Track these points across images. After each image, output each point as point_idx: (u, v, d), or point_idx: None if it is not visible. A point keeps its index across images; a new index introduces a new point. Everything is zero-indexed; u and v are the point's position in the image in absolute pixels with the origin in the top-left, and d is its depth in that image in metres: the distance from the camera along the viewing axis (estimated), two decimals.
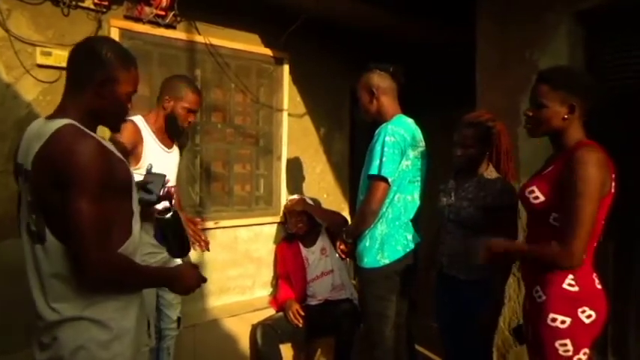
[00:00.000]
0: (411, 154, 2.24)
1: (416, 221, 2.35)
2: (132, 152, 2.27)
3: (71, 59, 1.41)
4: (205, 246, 2.54)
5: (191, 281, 1.55)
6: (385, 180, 2.15)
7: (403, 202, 2.27)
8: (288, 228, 3.45)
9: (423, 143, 2.36)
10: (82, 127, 1.33)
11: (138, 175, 2.27)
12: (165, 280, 1.57)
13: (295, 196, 3.51)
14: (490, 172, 2.20)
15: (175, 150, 2.56)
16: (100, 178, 1.29)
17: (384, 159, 2.14)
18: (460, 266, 2.16)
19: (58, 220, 1.30)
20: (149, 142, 2.37)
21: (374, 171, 2.16)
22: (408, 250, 2.26)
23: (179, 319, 2.63)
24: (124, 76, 1.40)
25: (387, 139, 2.16)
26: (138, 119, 2.36)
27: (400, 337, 2.36)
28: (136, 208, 1.50)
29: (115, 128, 1.54)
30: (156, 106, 2.50)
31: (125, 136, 2.25)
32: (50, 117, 1.38)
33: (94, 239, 1.26)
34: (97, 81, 1.36)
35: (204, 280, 1.60)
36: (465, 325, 2.15)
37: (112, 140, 1.67)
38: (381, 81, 2.31)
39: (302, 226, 3.32)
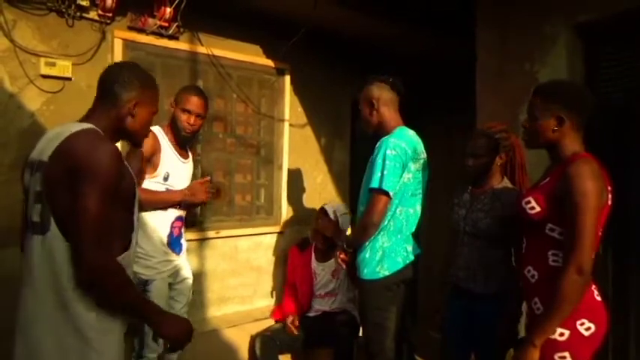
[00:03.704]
0: (412, 167, 2.24)
1: (416, 233, 2.35)
2: (149, 160, 2.33)
3: (106, 79, 1.48)
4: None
5: (181, 332, 1.45)
6: (386, 193, 2.15)
7: (405, 215, 2.27)
8: (313, 226, 3.30)
9: (424, 155, 2.36)
10: (103, 134, 1.39)
11: (154, 183, 2.33)
12: (155, 315, 1.43)
13: (335, 204, 3.37)
14: (505, 184, 2.20)
15: (190, 160, 2.61)
16: (113, 180, 1.32)
17: (385, 172, 2.13)
18: (476, 279, 2.14)
19: (64, 213, 1.31)
20: (166, 152, 2.42)
21: (375, 184, 2.15)
22: (407, 261, 2.26)
23: None
24: (151, 97, 1.52)
25: (389, 152, 2.16)
26: (156, 129, 2.41)
27: (401, 348, 2.35)
28: (137, 222, 1.51)
29: (139, 144, 1.64)
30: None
31: (145, 144, 2.30)
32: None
33: (95, 238, 1.26)
34: (131, 102, 1.45)
35: (190, 337, 1.49)
36: (477, 338, 2.13)
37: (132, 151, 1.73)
38: (380, 92, 2.30)
39: (324, 236, 3.15)
